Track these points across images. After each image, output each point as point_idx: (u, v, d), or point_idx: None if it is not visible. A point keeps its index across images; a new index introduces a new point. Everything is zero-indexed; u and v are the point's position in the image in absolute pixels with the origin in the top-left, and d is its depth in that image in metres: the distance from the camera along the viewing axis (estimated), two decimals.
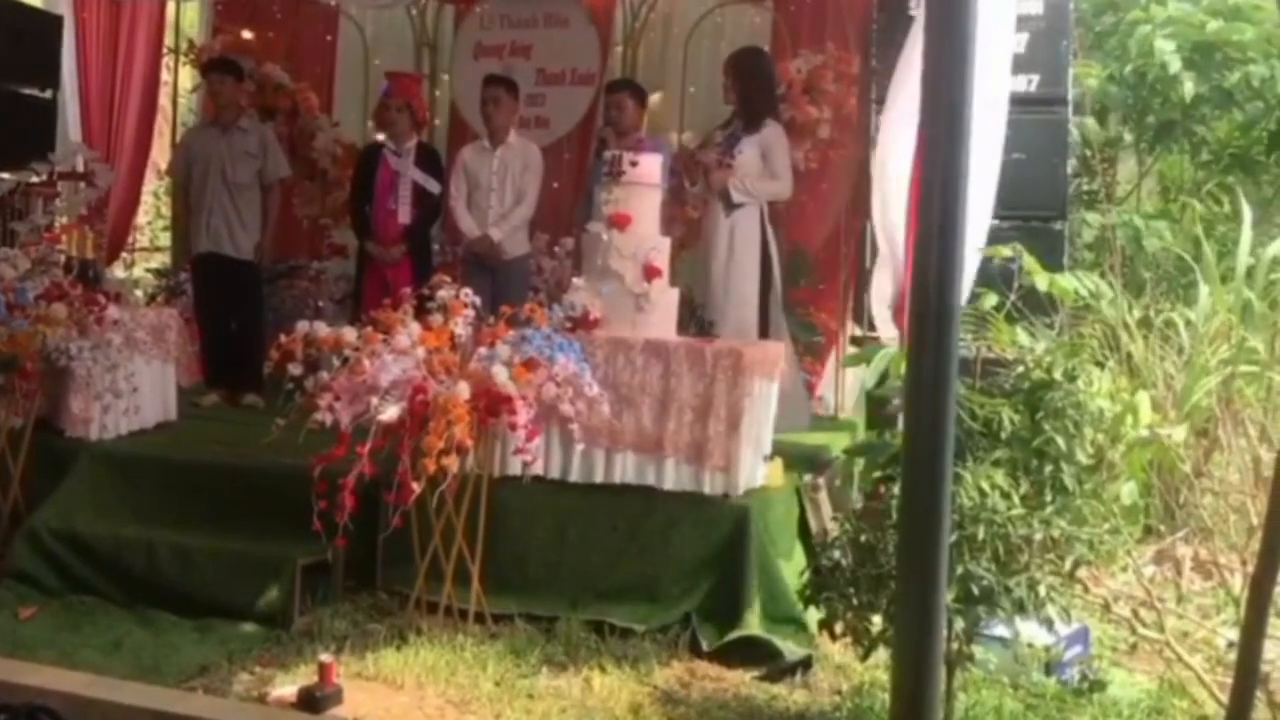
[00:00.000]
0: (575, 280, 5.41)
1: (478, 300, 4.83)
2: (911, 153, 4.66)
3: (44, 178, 6.98)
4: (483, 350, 4.68)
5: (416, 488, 4.40)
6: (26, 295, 5.47)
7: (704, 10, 8.24)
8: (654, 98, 7.83)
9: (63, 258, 6.52)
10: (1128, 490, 3.69)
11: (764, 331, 6.23)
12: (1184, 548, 5.56)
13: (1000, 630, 3.82)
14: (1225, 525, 5.21)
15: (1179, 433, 3.89)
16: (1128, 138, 9.33)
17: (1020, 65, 5.52)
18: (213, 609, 4.84)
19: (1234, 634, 4.43)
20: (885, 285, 5.13)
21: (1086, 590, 3.93)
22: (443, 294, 4.77)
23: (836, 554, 3.77)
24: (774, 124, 6.33)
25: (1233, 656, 3.62)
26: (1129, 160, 9.84)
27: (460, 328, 4.73)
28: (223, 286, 7.10)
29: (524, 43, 8.56)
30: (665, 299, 5.36)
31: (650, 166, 5.41)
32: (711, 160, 6.36)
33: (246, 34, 8.87)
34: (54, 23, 8.07)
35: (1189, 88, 8.04)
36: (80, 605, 4.96)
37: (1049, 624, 3.57)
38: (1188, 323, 5.90)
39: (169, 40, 9.09)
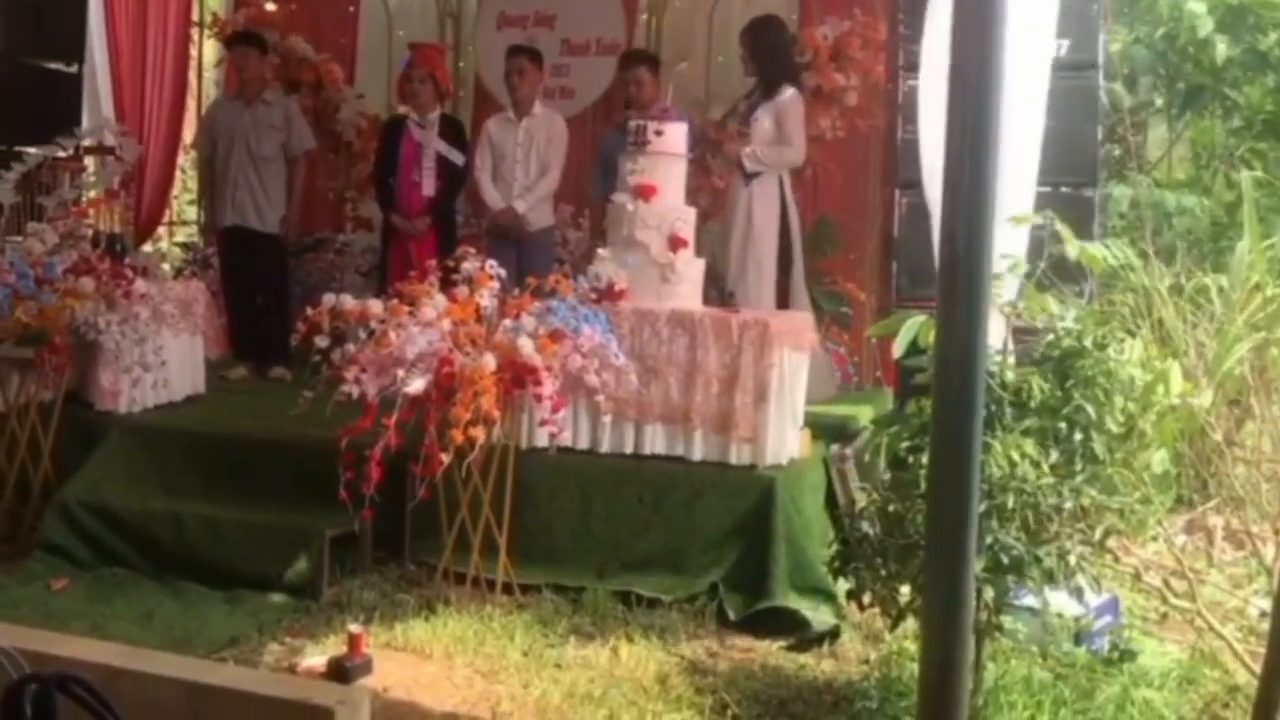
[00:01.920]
0: (600, 251, 5.40)
1: (503, 272, 4.82)
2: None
3: (70, 152, 7.00)
4: (508, 322, 4.68)
5: (443, 459, 4.42)
6: (55, 269, 5.49)
7: None
8: (680, 68, 7.78)
9: (90, 232, 6.54)
10: (1158, 459, 3.65)
11: (783, 302, 6.20)
12: (1216, 517, 5.51)
13: (1029, 600, 3.79)
14: (1257, 494, 5.15)
15: (1205, 399, 3.84)
16: (1158, 103, 9.21)
17: None
18: (242, 580, 4.87)
19: (1266, 603, 4.40)
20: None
21: (1117, 560, 3.90)
22: (468, 266, 4.76)
23: (864, 524, 3.75)
24: (790, 90, 6.28)
25: (1265, 626, 3.59)
26: (1160, 126, 9.72)
27: (486, 299, 4.72)
28: (249, 260, 7.12)
29: (548, 12, 8.52)
30: (691, 270, 5.34)
31: (675, 136, 5.39)
32: (730, 131, 6.34)
33: (270, 6, 8.86)
34: None
35: (1221, 50, 7.91)
36: (111, 577, 5.01)
37: (1079, 594, 3.54)
38: (1220, 290, 5.82)
39: (194, 14, 9.08)
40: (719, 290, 6.27)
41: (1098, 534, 3.47)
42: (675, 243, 5.24)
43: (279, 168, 7.13)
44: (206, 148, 7.32)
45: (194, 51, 9.31)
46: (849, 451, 5.51)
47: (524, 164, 6.79)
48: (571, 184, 7.29)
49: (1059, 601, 3.84)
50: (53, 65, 7.82)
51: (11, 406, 5.50)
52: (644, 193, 5.27)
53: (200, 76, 9.65)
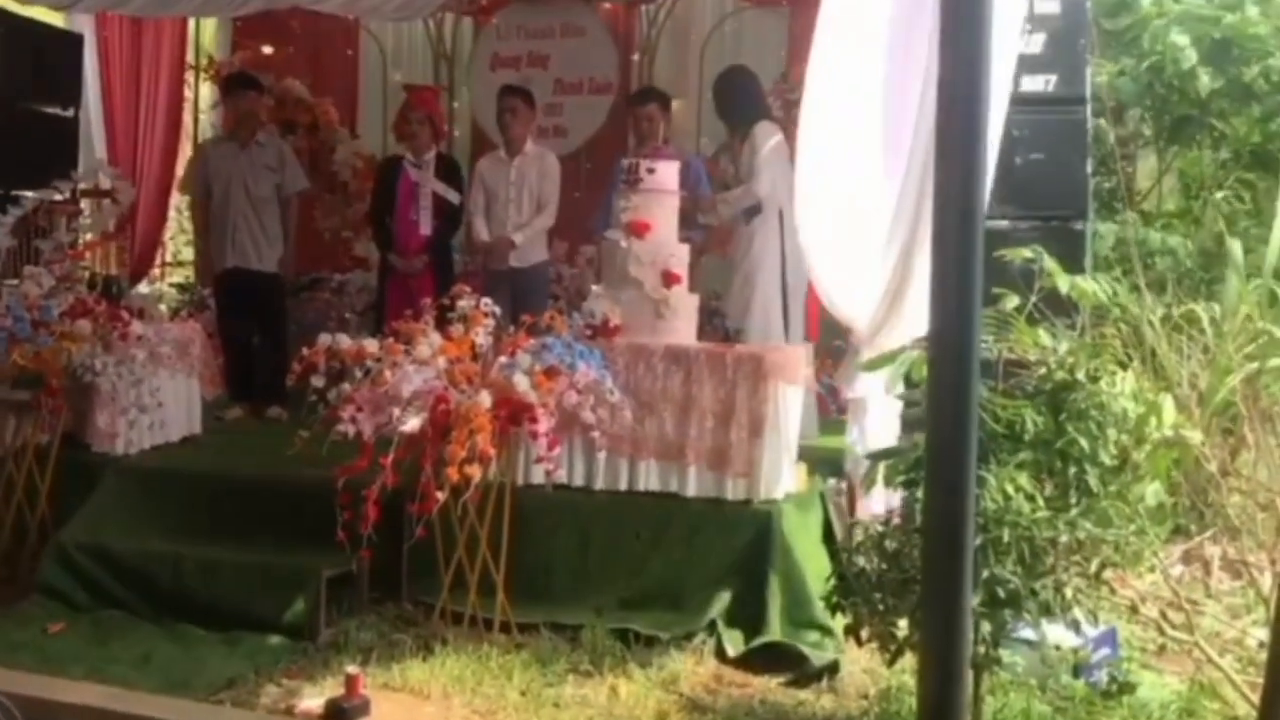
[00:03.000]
0: (595, 288, 5.43)
1: (498, 309, 4.84)
2: (834, 152, 4.66)
3: (66, 195, 7.03)
4: (504, 359, 4.69)
5: (440, 497, 4.42)
6: (51, 312, 5.52)
7: (720, 17, 8.26)
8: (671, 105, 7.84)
9: (87, 274, 6.57)
10: (1152, 491, 3.66)
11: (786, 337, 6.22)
12: (1213, 547, 5.51)
13: (1027, 633, 3.80)
14: (1253, 524, 5.16)
15: (1196, 435, 3.87)
16: (1146, 134, 9.25)
17: (1038, 65, 5.50)
18: (239, 622, 4.85)
19: (1265, 634, 4.40)
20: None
21: (1113, 592, 3.91)
22: (463, 304, 4.78)
23: (861, 559, 3.76)
24: (763, 123, 6.27)
25: (1264, 657, 3.59)
26: (1149, 157, 9.77)
27: (481, 337, 4.74)
28: (248, 300, 7.14)
29: (541, 53, 8.61)
30: (685, 305, 5.37)
31: (667, 174, 5.43)
32: (722, 167, 6.41)
33: (266, 49, 8.94)
34: (75, 41, 8.14)
35: (1205, 82, 7.97)
36: (108, 619, 4.99)
37: (1075, 626, 3.55)
38: (1212, 319, 5.84)
39: (190, 56, 9.16)
40: (715, 325, 6.30)
41: (1093, 567, 3.48)
42: (669, 278, 5.27)
43: (275, 208, 7.16)
44: (200, 190, 7.31)
45: (189, 94, 9.38)
46: (845, 485, 5.52)
47: (517, 202, 6.84)
48: (565, 221, 7.33)
49: (1057, 634, 3.84)
50: (49, 110, 7.88)
51: (8, 449, 5.51)
52: (637, 229, 5.31)
53: (196, 119, 9.72)
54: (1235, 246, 5.25)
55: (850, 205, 4.70)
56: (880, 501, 4.58)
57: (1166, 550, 5.20)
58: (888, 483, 3.68)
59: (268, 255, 7.11)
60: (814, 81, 4.77)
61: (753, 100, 6.49)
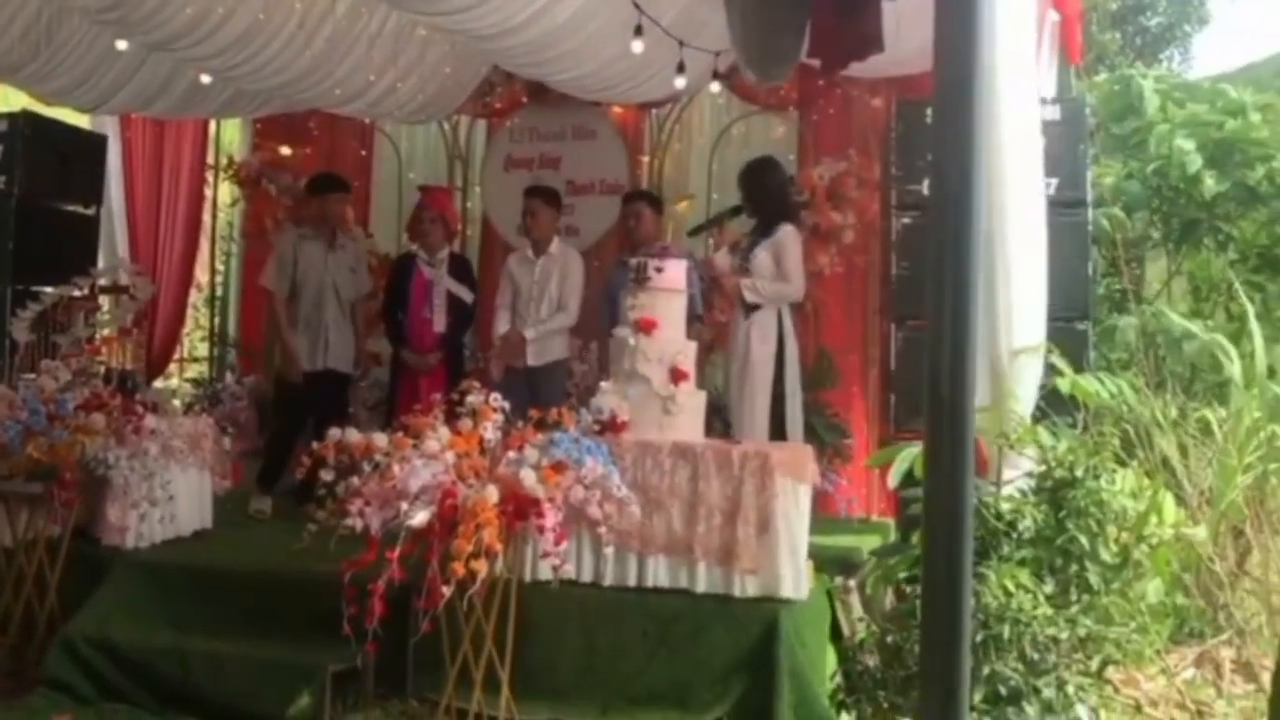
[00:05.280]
0: (603, 384, 5.48)
1: (506, 404, 4.88)
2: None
3: (85, 291, 7.15)
4: (511, 454, 4.72)
5: (446, 592, 4.41)
6: (67, 406, 5.58)
7: (729, 120, 8.44)
8: (681, 206, 7.99)
9: (103, 369, 6.66)
10: (1154, 589, 3.67)
11: (778, 433, 6.25)
12: (1226, 650, 5.46)
13: None
14: (1263, 626, 5.13)
15: (1200, 532, 3.88)
16: (1155, 235, 9.34)
17: None
18: (244, 716, 4.84)
19: None
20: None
21: (1116, 691, 3.89)
22: (472, 399, 4.83)
23: (865, 657, 3.76)
24: (787, 226, 6.43)
25: None
26: (1159, 259, 9.85)
27: (489, 432, 4.77)
28: (330, 398, 7.21)
29: (553, 155, 8.76)
30: (692, 402, 5.41)
31: (675, 272, 5.51)
32: (725, 267, 6.47)
33: (285, 150, 9.12)
34: (99, 142, 8.35)
35: (1210, 185, 8.08)
36: (113, 714, 4.97)
37: None
38: (1222, 422, 5.86)
39: (210, 156, 9.37)
40: (724, 421, 6.34)
41: (1095, 664, 3.47)
42: (676, 375, 5.32)
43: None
44: (285, 286, 7.32)
45: (209, 193, 9.58)
46: (853, 583, 5.51)
47: (538, 300, 6.97)
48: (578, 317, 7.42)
49: None
50: (71, 208, 8.07)
51: (19, 542, 5.53)
52: (644, 327, 5.37)
53: (215, 217, 9.90)
54: (1232, 350, 5.28)
55: None
56: None
57: (1180, 653, 5.16)
58: (888, 581, 3.69)
59: (350, 356, 7.37)
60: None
61: (778, 195, 6.61)
